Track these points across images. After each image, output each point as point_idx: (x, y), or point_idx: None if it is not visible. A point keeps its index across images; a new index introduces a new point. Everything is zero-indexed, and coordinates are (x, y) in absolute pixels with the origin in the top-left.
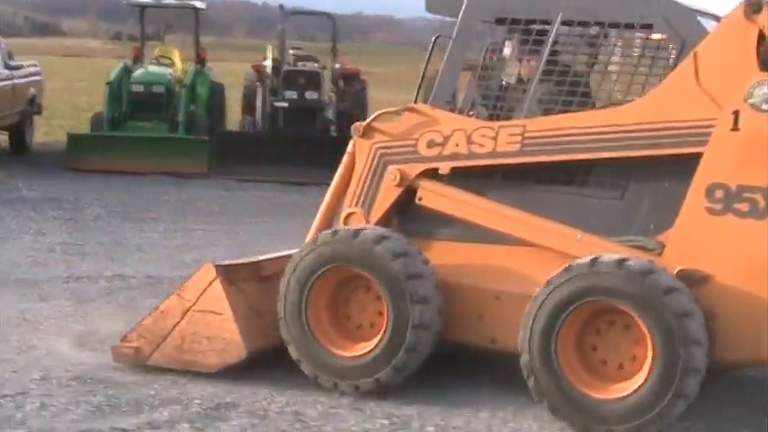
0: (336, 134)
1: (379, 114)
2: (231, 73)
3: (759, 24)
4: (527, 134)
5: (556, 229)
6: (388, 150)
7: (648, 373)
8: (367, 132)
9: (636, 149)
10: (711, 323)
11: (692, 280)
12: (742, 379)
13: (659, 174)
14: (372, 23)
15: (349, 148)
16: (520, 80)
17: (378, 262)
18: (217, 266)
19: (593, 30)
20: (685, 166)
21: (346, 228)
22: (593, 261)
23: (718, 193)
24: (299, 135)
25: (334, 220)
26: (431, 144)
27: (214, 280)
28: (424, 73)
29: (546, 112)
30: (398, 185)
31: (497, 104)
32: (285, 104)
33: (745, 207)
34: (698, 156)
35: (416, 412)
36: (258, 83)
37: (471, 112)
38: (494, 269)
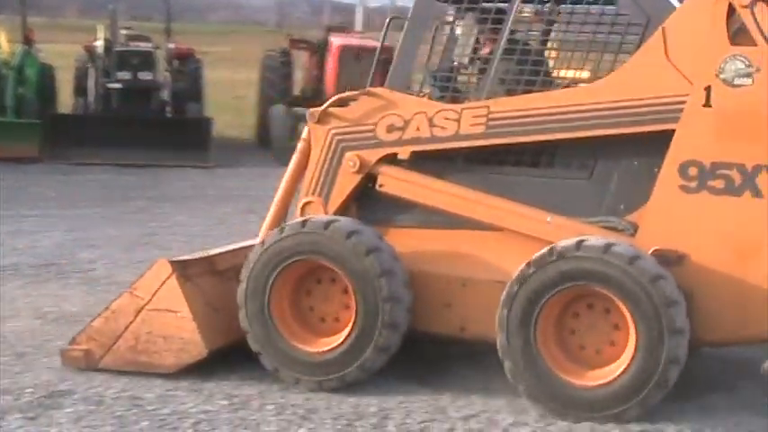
0: (172, 115)
1: (336, 99)
2: (62, 54)
3: None
4: (492, 115)
5: (525, 212)
6: (346, 136)
7: (631, 361)
8: (323, 118)
9: (606, 128)
10: (689, 303)
11: (668, 259)
12: (735, 358)
13: (628, 152)
14: (209, 3)
15: (304, 135)
16: (472, 60)
17: (349, 257)
18: (172, 262)
19: (547, 6)
20: (655, 143)
21: (315, 218)
22: (579, 244)
23: (692, 171)
24: (134, 116)
25: (290, 209)
26: (391, 128)
27: (169, 277)
28: (378, 56)
29: (509, 93)
30: (357, 172)
31: (450, 85)
32: (118, 85)
33: (720, 184)
34: (669, 133)
35: (257, 392)
36: (90, 64)
37: (422, 93)
38: (460, 255)
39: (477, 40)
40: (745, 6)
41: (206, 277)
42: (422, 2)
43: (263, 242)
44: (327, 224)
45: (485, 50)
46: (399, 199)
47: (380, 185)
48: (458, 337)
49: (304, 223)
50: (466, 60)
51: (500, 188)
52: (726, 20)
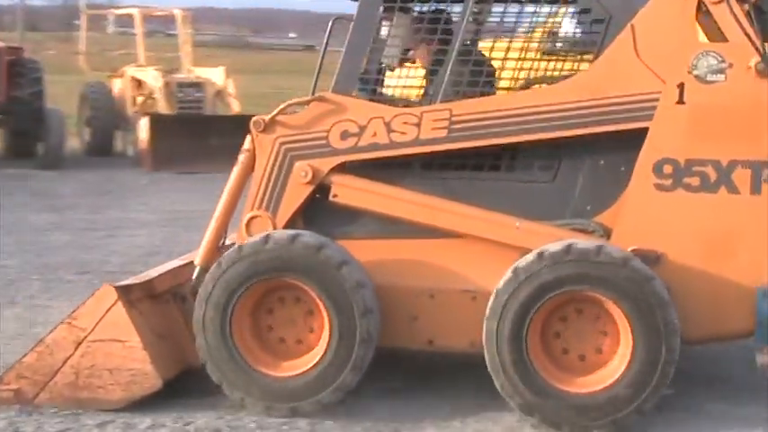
0: None
1: (285, 106)
2: None
3: None
4: (454, 119)
5: (493, 218)
6: (295, 144)
7: (629, 364)
8: (269, 126)
9: (576, 128)
10: None
11: (646, 259)
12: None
13: (592, 152)
14: None
15: (246, 145)
16: (402, 62)
17: (319, 272)
18: (117, 288)
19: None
20: (621, 142)
21: (278, 234)
22: (568, 248)
23: (667, 169)
24: None
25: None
26: (345, 135)
27: (114, 303)
28: (321, 60)
29: (466, 96)
30: (309, 183)
31: (377, 88)
32: None
33: (695, 181)
34: (636, 131)
35: None
36: None
37: (354, 94)
38: (425, 266)
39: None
40: (719, 2)
41: (146, 302)
42: (368, 1)
43: (220, 262)
44: (293, 238)
45: (421, 53)
46: (350, 209)
47: (334, 195)
48: (426, 350)
49: (266, 240)
50: (394, 62)
51: (460, 193)
52: (695, 16)
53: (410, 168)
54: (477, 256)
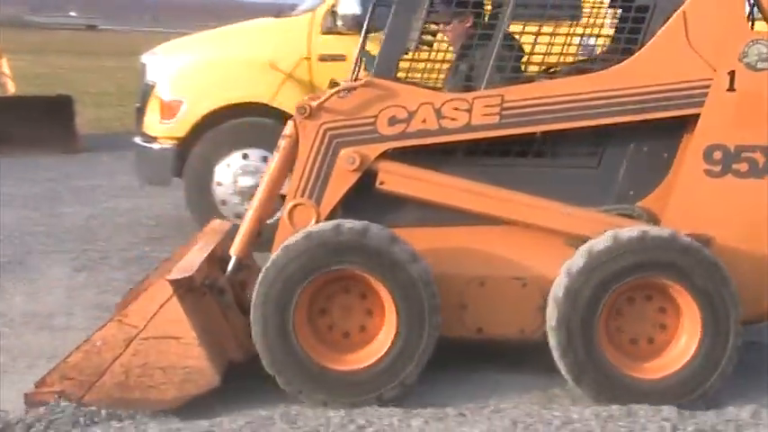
0: None
1: (335, 92)
2: None
3: None
4: (506, 104)
5: (541, 205)
6: (341, 131)
7: (699, 343)
8: (314, 112)
9: (626, 115)
10: None
11: (701, 243)
12: None
13: (636, 138)
14: None
15: (287, 131)
16: (419, 45)
17: (393, 264)
18: (173, 282)
19: None
20: (664, 129)
21: (349, 224)
22: (644, 234)
23: (717, 155)
24: None
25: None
26: (393, 121)
27: (169, 299)
28: (362, 45)
29: (510, 81)
30: (356, 170)
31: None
32: None
33: (744, 167)
34: (683, 118)
35: None
36: None
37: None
38: (474, 253)
39: (425, 23)
40: None
41: (190, 296)
42: None
43: (277, 255)
44: (364, 231)
45: (454, 29)
46: (390, 196)
47: (381, 183)
48: (474, 338)
49: (336, 230)
50: (412, 46)
51: (504, 180)
52: (745, 3)
53: (453, 155)
54: (526, 243)
